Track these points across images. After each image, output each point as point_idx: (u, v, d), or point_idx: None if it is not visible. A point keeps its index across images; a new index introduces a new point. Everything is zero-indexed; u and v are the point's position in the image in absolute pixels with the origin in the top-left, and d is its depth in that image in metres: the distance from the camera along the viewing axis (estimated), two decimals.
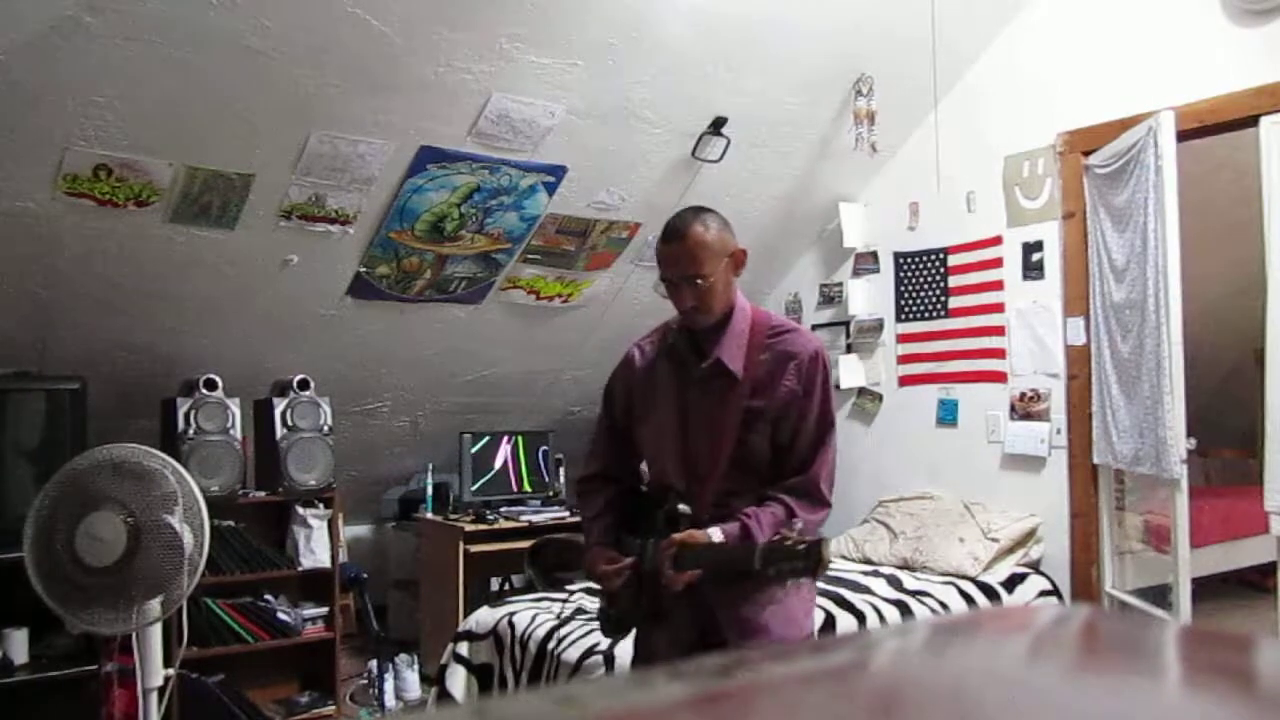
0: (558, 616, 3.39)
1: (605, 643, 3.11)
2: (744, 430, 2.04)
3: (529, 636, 3.36)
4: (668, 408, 2.11)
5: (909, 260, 4.62)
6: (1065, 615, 0.95)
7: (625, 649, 3.11)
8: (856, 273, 4.88)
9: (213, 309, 3.97)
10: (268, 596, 4.08)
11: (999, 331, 4.27)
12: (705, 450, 2.06)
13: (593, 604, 3.61)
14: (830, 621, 3.40)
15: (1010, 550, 3.98)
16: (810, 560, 1.78)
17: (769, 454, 2.07)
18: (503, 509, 4.69)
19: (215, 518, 3.02)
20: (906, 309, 4.64)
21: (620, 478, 2.27)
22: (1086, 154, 3.90)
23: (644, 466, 2.29)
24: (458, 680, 3.53)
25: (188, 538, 2.45)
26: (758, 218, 4.64)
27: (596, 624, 3.27)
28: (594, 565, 2.12)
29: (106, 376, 3.87)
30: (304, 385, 4.13)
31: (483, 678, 3.51)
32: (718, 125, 4.12)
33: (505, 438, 4.90)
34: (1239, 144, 3.56)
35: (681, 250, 2.02)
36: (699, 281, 2.01)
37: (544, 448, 4.99)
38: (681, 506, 2.03)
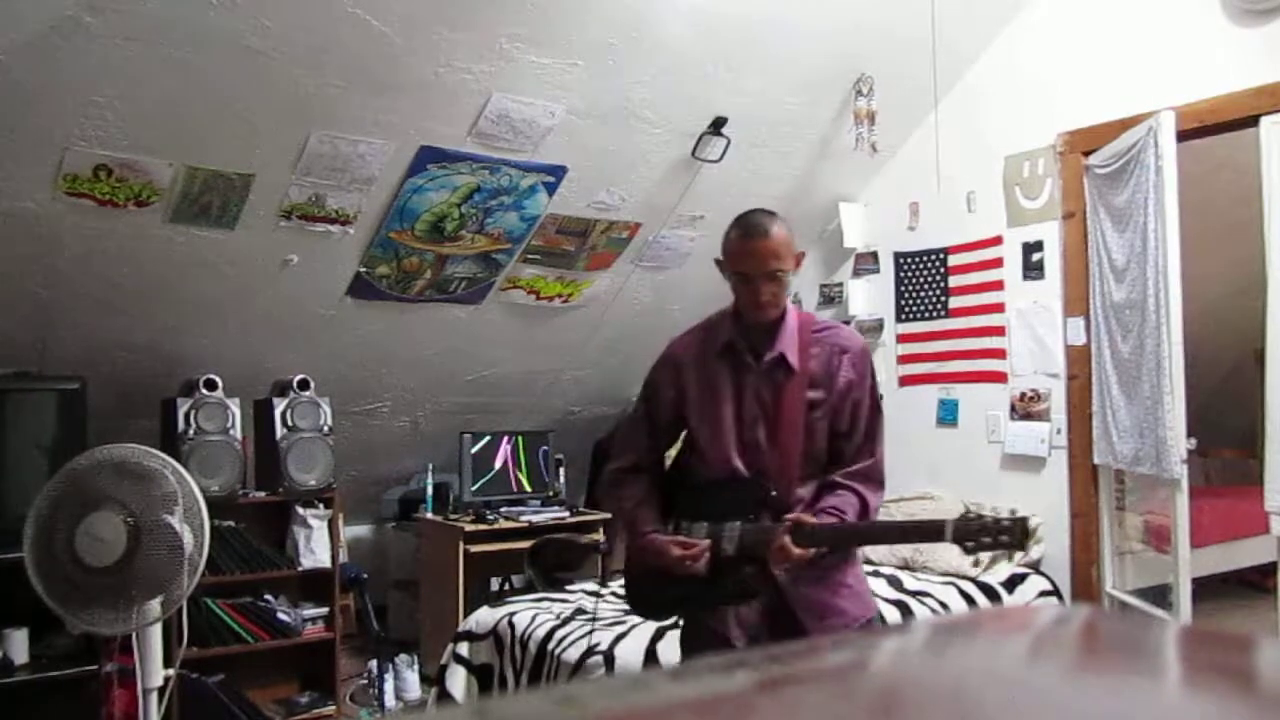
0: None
1: (605, 643, 3.11)
2: (807, 420, 2.15)
3: (529, 636, 3.36)
4: (728, 402, 2.19)
5: (909, 260, 4.62)
6: (1065, 615, 0.95)
7: (626, 649, 3.11)
8: (857, 273, 4.88)
9: (213, 309, 3.97)
10: (268, 596, 4.08)
11: (999, 331, 4.27)
12: (770, 440, 2.16)
13: (593, 604, 3.62)
14: None
15: None
16: (1016, 535, 1.90)
17: (826, 442, 2.18)
18: (503, 509, 4.69)
19: (215, 518, 3.02)
20: (907, 309, 4.64)
21: (652, 470, 2.33)
22: (1086, 154, 3.90)
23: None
24: (458, 680, 3.53)
25: (188, 538, 2.45)
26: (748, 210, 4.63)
27: (597, 622, 3.29)
28: (665, 549, 2.14)
29: (106, 376, 3.87)
30: (304, 385, 4.13)
31: (483, 678, 3.51)
32: (718, 125, 4.12)
33: (505, 438, 4.90)
34: (1239, 144, 3.56)
35: (766, 246, 2.11)
36: (779, 275, 2.12)
37: (544, 448, 4.99)
38: (773, 492, 2.13)
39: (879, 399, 2.25)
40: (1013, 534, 1.90)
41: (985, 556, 3.87)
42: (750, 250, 2.12)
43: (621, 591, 3.71)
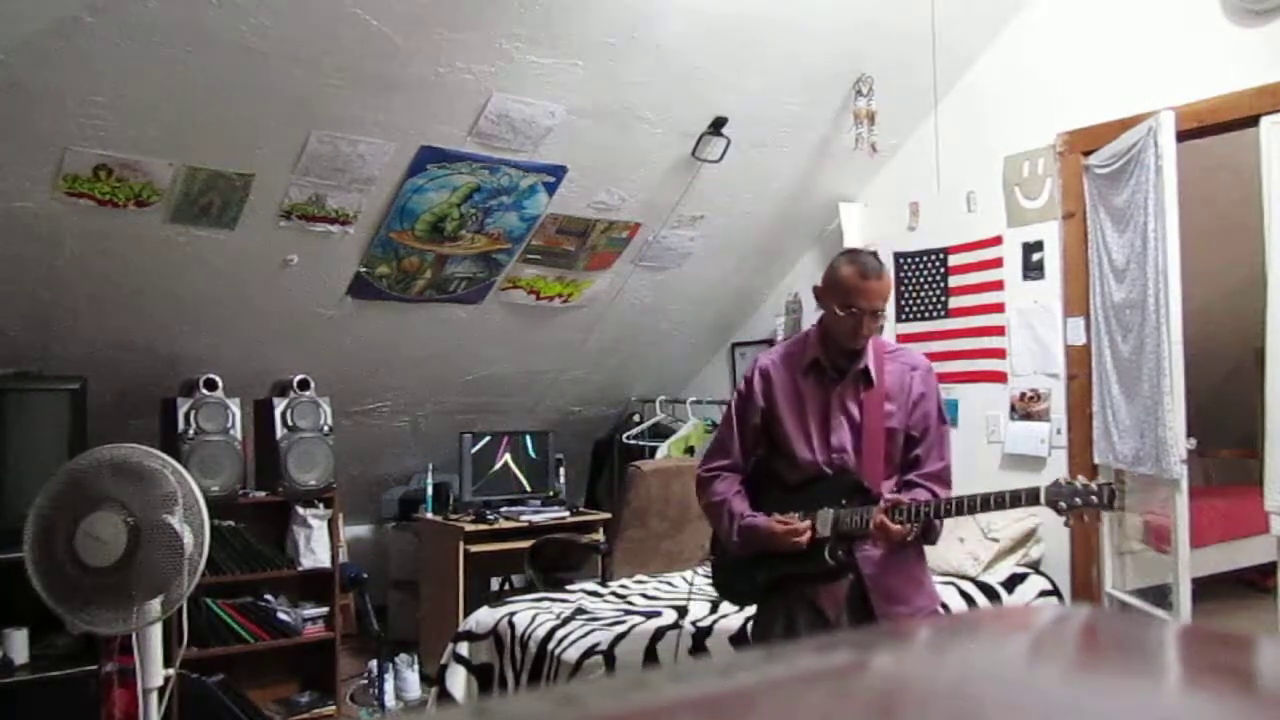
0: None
1: (605, 643, 3.12)
2: (887, 427, 2.43)
3: (529, 636, 3.36)
4: (817, 412, 2.46)
5: (909, 260, 4.62)
6: (1065, 615, 0.95)
7: (626, 649, 3.11)
8: None
9: (213, 309, 3.97)
10: (268, 596, 4.08)
11: (999, 331, 4.26)
12: (855, 444, 2.43)
13: (593, 604, 3.62)
14: None
15: (1010, 550, 3.97)
16: (1105, 497, 2.14)
17: (901, 447, 2.47)
18: (503, 509, 4.69)
19: (215, 518, 3.02)
20: (907, 309, 4.63)
21: (741, 472, 2.58)
22: (1086, 154, 3.89)
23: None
24: (458, 680, 3.53)
25: (188, 538, 2.45)
26: (758, 218, 4.64)
27: (598, 622, 3.29)
28: (770, 526, 2.39)
29: (106, 376, 3.87)
30: (304, 385, 4.13)
31: (483, 678, 3.51)
32: (718, 125, 4.12)
33: (505, 438, 4.90)
34: (1239, 144, 3.56)
35: (881, 287, 2.40)
36: (881, 313, 2.41)
37: (544, 448, 4.99)
38: (864, 483, 2.39)
39: (944, 410, 2.57)
40: (1101, 495, 2.14)
41: (993, 553, 3.89)
42: (867, 290, 2.37)
43: (622, 593, 3.73)
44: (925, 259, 4.55)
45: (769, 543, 2.40)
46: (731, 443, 2.58)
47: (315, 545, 4.10)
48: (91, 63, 2.98)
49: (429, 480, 4.76)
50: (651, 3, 3.51)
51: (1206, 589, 4.30)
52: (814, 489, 2.43)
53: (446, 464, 4.84)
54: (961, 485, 4.24)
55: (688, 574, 3.80)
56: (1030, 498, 2.21)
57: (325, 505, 4.15)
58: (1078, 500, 2.16)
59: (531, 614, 3.48)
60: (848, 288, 2.38)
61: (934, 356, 4.51)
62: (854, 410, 2.44)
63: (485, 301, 4.56)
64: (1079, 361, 3.93)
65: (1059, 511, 2.20)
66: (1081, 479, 2.21)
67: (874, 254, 2.50)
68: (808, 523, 2.37)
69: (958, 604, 3.72)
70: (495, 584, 4.90)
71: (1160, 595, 3.50)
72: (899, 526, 2.27)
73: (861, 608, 2.41)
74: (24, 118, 3.07)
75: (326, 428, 4.12)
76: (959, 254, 4.42)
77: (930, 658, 0.60)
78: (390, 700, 3.81)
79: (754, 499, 2.51)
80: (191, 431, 3.81)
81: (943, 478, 2.49)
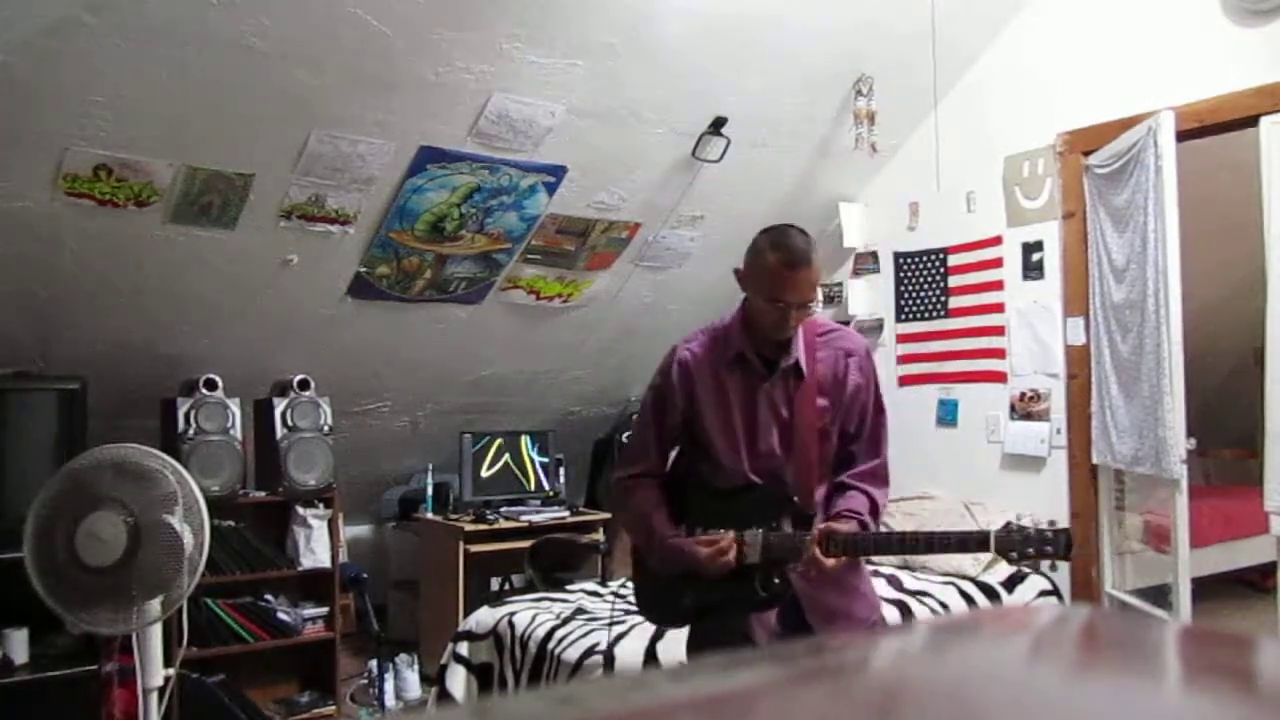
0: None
1: (605, 642, 3.11)
2: (821, 425, 2.19)
3: (529, 636, 3.36)
4: (742, 411, 2.20)
5: (909, 260, 4.62)
6: (1065, 615, 0.95)
7: (626, 649, 3.11)
8: (856, 273, 4.88)
9: (213, 309, 3.97)
10: (268, 596, 4.08)
11: (999, 331, 4.27)
12: (785, 448, 2.19)
13: (593, 604, 3.62)
14: None
15: None
16: (1060, 547, 1.93)
17: (836, 444, 2.23)
18: (503, 509, 4.69)
19: (215, 518, 3.01)
20: (906, 309, 4.64)
21: (661, 477, 2.34)
22: (1086, 154, 3.90)
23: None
24: (458, 680, 3.53)
25: (188, 538, 2.45)
26: (757, 218, 4.62)
27: (595, 624, 3.29)
28: (693, 550, 2.15)
29: (106, 376, 3.87)
30: (304, 385, 4.13)
31: (483, 678, 3.51)
32: (718, 125, 4.12)
33: (505, 438, 4.90)
34: (1239, 144, 3.56)
35: (806, 278, 2.09)
36: (810, 305, 2.14)
37: (544, 448, 4.99)
38: (794, 498, 2.17)
39: (882, 398, 2.31)
40: (1056, 545, 1.93)
41: (1020, 569, 3.88)
42: (794, 282, 2.08)
43: (622, 593, 3.72)
44: (925, 259, 4.55)
45: (694, 566, 2.15)
46: (649, 445, 2.32)
47: (315, 545, 4.10)
48: (91, 63, 2.98)
49: (429, 480, 4.75)
50: (651, 3, 3.51)
51: (1206, 589, 4.30)
52: (742, 498, 2.19)
53: (446, 464, 4.84)
54: (962, 486, 4.29)
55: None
56: (979, 543, 2.02)
57: (325, 505, 4.15)
58: (1030, 550, 1.94)
59: (531, 614, 3.47)
60: (772, 279, 2.09)
61: (934, 357, 4.54)
62: (784, 410, 2.18)
63: (485, 301, 4.56)
64: (1079, 361, 3.93)
65: (1010, 562, 1.99)
66: (1034, 524, 1.96)
67: (802, 232, 2.15)
68: (731, 536, 2.13)
69: (958, 604, 3.72)
70: (495, 584, 4.90)
71: (1160, 595, 3.50)
72: (833, 561, 2.04)
73: (799, 629, 2.21)
74: (24, 118, 3.07)
75: (326, 428, 4.12)
76: (959, 254, 4.42)
77: (930, 658, 0.60)
78: (390, 700, 3.81)
79: (679, 505, 2.28)
80: (191, 431, 3.81)
81: (879, 475, 2.25)
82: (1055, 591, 3.99)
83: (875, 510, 2.21)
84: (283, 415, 4.05)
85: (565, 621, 3.37)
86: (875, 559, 4.17)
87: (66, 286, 3.62)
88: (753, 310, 2.18)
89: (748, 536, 2.13)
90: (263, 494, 4.07)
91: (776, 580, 2.14)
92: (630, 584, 3.73)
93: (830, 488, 2.24)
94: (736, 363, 2.21)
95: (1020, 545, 1.94)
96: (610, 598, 3.54)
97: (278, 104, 3.34)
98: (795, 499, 2.17)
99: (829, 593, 2.22)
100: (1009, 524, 1.98)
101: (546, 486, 4.94)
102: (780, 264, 2.08)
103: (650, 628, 3.20)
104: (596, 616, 3.41)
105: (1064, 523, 3.94)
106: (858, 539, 2.08)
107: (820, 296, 2.21)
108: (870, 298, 4.80)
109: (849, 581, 2.26)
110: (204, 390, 3.88)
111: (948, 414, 4.46)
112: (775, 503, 2.17)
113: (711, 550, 2.12)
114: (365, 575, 3.75)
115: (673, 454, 2.37)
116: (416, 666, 4.24)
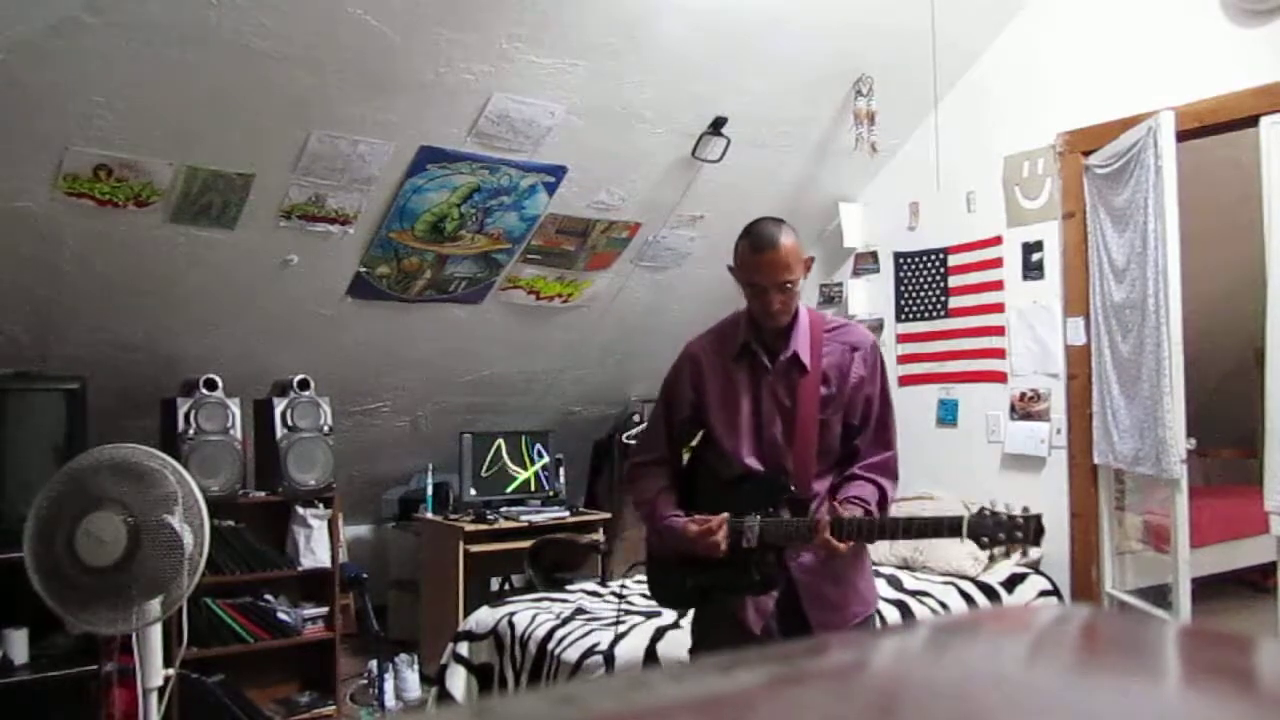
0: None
1: (605, 642, 3.11)
2: (822, 416, 2.24)
3: (529, 636, 3.36)
4: (746, 402, 2.28)
5: (909, 260, 4.62)
6: (1065, 615, 0.95)
7: (626, 649, 3.11)
8: (856, 273, 4.88)
9: (213, 309, 3.97)
10: (268, 596, 4.08)
11: (999, 331, 4.27)
12: (786, 438, 2.24)
13: (593, 604, 3.62)
14: None
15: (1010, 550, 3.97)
16: (1029, 532, 1.98)
17: (840, 437, 2.28)
18: (503, 509, 4.69)
19: (215, 518, 3.02)
20: (906, 309, 4.64)
21: (672, 465, 2.43)
22: (1086, 154, 3.90)
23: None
24: (458, 680, 3.53)
25: (188, 538, 2.45)
26: (758, 218, 4.63)
27: (597, 622, 3.29)
28: (683, 528, 2.23)
29: (106, 376, 3.87)
30: (304, 385, 4.13)
31: (483, 678, 3.51)
32: (718, 125, 4.12)
33: (505, 438, 4.90)
34: (1239, 144, 3.56)
35: (775, 259, 2.18)
36: (788, 286, 2.19)
37: (544, 448, 4.99)
38: (792, 487, 2.22)
39: (889, 393, 2.34)
40: (1026, 530, 1.98)
41: (991, 553, 3.88)
42: (760, 263, 2.19)
43: (622, 593, 3.72)
44: (925, 259, 4.55)
45: (686, 545, 2.22)
46: (659, 435, 2.43)
47: (315, 545, 4.10)
48: (91, 63, 2.98)
49: (429, 480, 4.75)
50: (651, 3, 3.51)
51: (1206, 589, 4.30)
52: (745, 487, 2.25)
53: (446, 464, 4.84)
54: (962, 486, 4.29)
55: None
56: (952, 528, 2.04)
57: (325, 505, 4.15)
58: (1001, 535, 1.98)
59: (531, 614, 3.48)
60: (743, 263, 2.22)
61: (934, 356, 4.54)
62: (786, 401, 2.24)
63: (485, 301, 4.56)
64: (1079, 361, 3.93)
65: (981, 547, 2.02)
66: (1007, 510, 2.00)
67: (778, 220, 2.27)
68: (722, 518, 2.19)
69: (958, 604, 3.72)
70: (495, 584, 4.90)
71: (1160, 595, 3.50)
72: (842, 545, 2.09)
73: (794, 617, 2.24)
74: (24, 118, 3.07)
75: (326, 428, 4.12)
76: (959, 254, 4.42)
77: (930, 658, 0.60)
78: (390, 700, 3.80)
79: (690, 494, 2.36)
80: (191, 431, 3.81)
81: (888, 468, 2.29)
82: (1055, 591, 3.99)
83: (884, 501, 2.25)
84: (283, 415, 4.05)
85: (565, 621, 3.37)
86: (876, 558, 4.18)
87: (66, 286, 3.62)
88: (747, 302, 2.28)
89: (745, 522, 2.19)
90: (263, 494, 4.06)
91: (771, 559, 2.20)
92: (630, 584, 3.75)
93: (835, 480, 2.28)
94: (743, 355, 2.29)
95: (992, 530, 1.99)
96: (610, 598, 3.55)
97: (278, 104, 3.34)
98: (794, 488, 2.22)
99: (829, 584, 2.26)
100: (983, 509, 2.02)
101: (546, 486, 4.94)
102: (749, 249, 2.22)
103: (650, 628, 3.20)
104: (596, 616, 3.41)
105: (1064, 523, 3.96)
106: (854, 522, 2.11)
107: (802, 276, 2.23)
108: (870, 298, 4.80)
109: (848, 575, 2.29)
110: (204, 390, 3.89)
111: (948, 414, 4.46)
112: (774, 491, 2.22)
113: (701, 529, 2.19)
114: (365, 575, 3.75)
115: (695, 442, 2.45)
116: (416, 666, 4.24)
